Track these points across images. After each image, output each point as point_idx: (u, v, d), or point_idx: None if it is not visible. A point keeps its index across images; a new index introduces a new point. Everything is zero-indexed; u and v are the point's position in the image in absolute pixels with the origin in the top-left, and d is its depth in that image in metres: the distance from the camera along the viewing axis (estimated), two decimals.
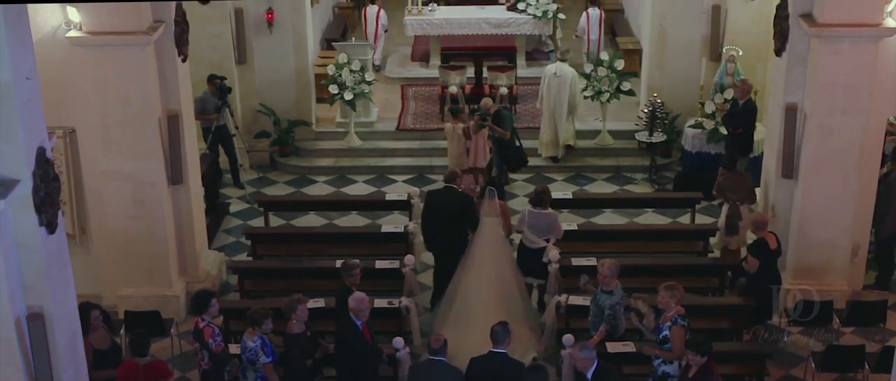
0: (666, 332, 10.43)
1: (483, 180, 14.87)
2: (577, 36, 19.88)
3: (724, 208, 13.72)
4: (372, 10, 20.37)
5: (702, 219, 15.11)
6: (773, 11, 12.77)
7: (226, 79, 16.00)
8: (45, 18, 11.73)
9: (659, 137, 16.68)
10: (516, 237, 13.51)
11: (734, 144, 15.07)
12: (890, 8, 12.02)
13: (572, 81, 16.86)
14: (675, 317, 10.42)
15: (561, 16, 19.98)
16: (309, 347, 10.67)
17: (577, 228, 14.13)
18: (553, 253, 12.69)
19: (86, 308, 10.28)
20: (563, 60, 16.99)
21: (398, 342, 11.10)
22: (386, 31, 20.77)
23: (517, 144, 16.09)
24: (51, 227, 8.48)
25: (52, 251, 8.56)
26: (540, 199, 12.90)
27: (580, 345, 9.97)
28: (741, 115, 15.21)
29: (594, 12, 19.61)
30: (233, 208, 16.18)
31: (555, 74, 16.80)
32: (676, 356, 10.33)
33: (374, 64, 19.65)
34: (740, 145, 15.13)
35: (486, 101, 15.98)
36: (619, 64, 17.17)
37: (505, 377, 9.95)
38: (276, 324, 10.67)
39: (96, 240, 12.87)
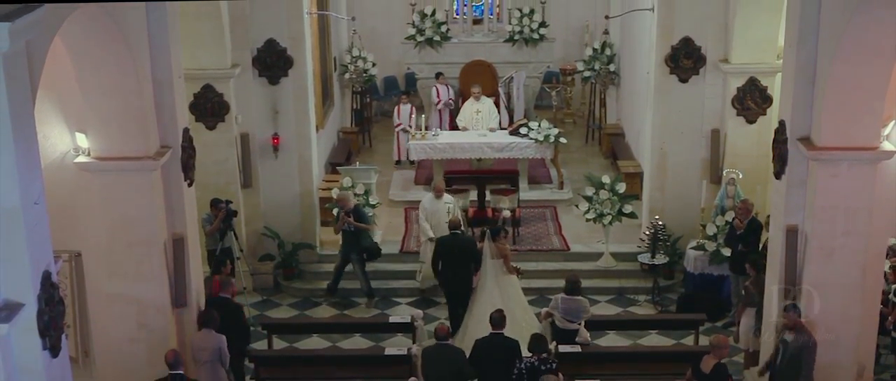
0: None
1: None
2: None
3: (749, 312, 13.89)
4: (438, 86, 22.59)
5: (705, 341, 15.00)
6: (772, 135, 12.92)
7: (231, 202, 16.10)
8: (54, 145, 11.91)
9: (661, 258, 16.76)
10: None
11: (741, 263, 15.05)
12: (887, 131, 12.18)
13: None
14: None
15: (562, 140, 20.20)
16: None
17: (580, 350, 14.08)
18: (585, 335, 13.99)
19: None
20: None
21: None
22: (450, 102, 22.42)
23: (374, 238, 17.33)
24: (54, 351, 8.49)
25: (55, 375, 8.55)
26: (574, 287, 13.95)
27: None
28: (747, 233, 15.29)
29: None
30: None
31: None
32: None
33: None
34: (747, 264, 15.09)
35: (343, 195, 16.81)
36: (621, 187, 17.33)
37: (504, 351, 12.30)
38: None
39: (99, 364, 12.79)
